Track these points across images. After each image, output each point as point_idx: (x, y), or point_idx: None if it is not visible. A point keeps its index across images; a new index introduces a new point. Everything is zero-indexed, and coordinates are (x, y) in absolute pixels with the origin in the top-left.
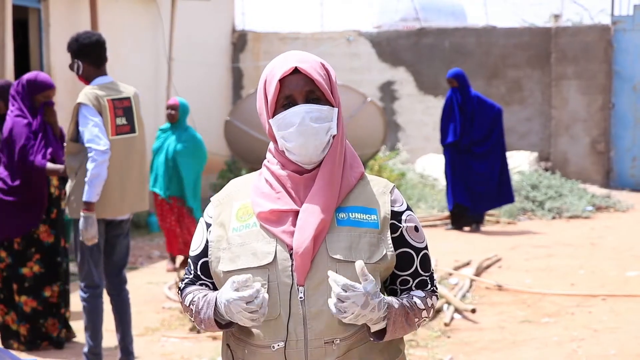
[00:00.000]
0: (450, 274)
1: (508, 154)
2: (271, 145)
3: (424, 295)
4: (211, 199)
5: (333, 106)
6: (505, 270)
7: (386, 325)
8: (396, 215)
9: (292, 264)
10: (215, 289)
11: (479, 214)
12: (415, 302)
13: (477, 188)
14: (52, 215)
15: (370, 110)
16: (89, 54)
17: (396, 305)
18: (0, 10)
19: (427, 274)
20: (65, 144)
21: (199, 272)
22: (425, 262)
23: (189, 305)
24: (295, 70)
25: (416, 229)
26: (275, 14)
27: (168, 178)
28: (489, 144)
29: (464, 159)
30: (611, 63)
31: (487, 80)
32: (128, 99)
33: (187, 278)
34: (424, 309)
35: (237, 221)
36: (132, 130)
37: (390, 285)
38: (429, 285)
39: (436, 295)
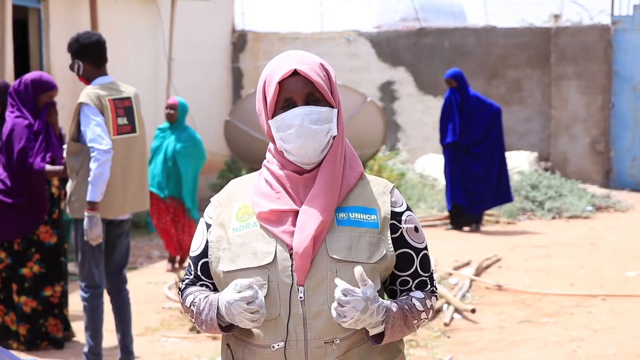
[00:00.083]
0: (450, 274)
1: (508, 154)
2: (271, 146)
3: (423, 296)
4: (211, 199)
5: (333, 107)
6: (505, 270)
7: (384, 328)
8: (396, 216)
9: (292, 264)
10: (215, 289)
11: (477, 213)
12: (414, 304)
13: (475, 188)
14: (54, 215)
15: (370, 110)
16: (90, 54)
17: (394, 309)
18: (0, 10)
19: (426, 275)
20: (65, 144)
21: (199, 273)
22: (425, 262)
23: (190, 306)
24: (295, 72)
25: (416, 229)
26: (275, 14)
27: (166, 178)
28: (487, 143)
29: (462, 159)
30: (611, 63)
31: (487, 80)
32: (129, 98)
33: (187, 278)
34: (423, 311)
35: (237, 221)
36: (133, 130)
37: (390, 286)
38: (429, 286)
39: (436, 296)
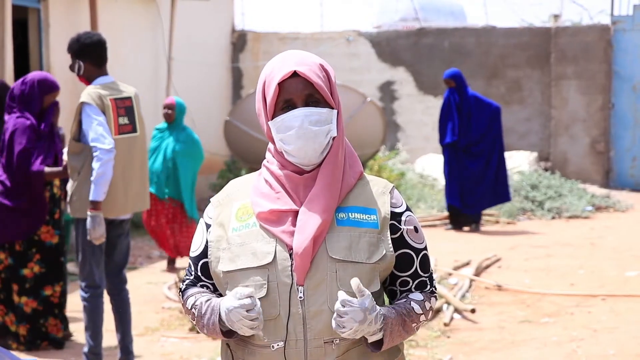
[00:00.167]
0: (450, 274)
1: (508, 154)
2: (270, 146)
3: (422, 298)
4: (211, 199)
5: (332, 108)
6: (504, 270)
7: (383, 336)
8: (396, 216)
9: (291, 264)
10: (215, 289)
11: (476, 213)
12: (413, 308)
13: (473, 187)
14: (55, 215)
15: (369, 110)
16: (90, 54)
17: (392, 316)
18: (0, 10)
19: (426, 275)
20: (66, 144)
21: (199, 273)
22: (425, 262)
23: (191, 308)
24: (295, 73)
25: (416, 229)
26: (275, 14)
27: (165, 178)
28: (486, 142)
29: (461, 159)
30: (611, 63)
31: (487, 80)
32: (129, 98)
33: (187, 279)
34: (422, 314)
35: (237, 221)
36: (134, 130)
37: (389, 286)
38: (428, 286)
39: (435, 296)
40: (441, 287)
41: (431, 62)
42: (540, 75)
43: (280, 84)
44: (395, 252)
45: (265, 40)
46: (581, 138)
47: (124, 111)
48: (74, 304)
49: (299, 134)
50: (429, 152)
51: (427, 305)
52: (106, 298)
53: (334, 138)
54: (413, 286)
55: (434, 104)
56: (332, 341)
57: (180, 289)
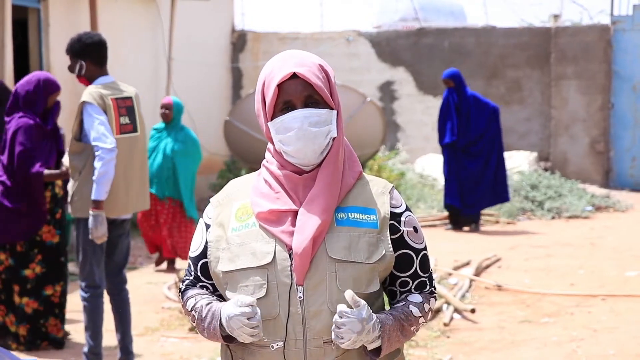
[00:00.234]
0: (450, 274)
1: (507, 154)
2: (270, 146)
3: (421, 300)
4: (211, 199)
5: (332, 109)
6: (504, 270)
7: (381, 343)
8: (395, 217)
9: (291, 264)
10: (215, 290)
11: (475, 213)
12: (411, 312)
13: (472, 187)
14: (57, 215)
15: (369, 110)
16: (92, 54)
17: (390, 322)
18: (0, 10)
19: (426, 275)
20: (68, 144)
21: (199, 274)
22: (425, 263)
23: (191, 310)
24: (294, 74)
25: (415, 230)
26: (275, 14)
27: (165, 178)
28: (484, 141)
29: (460, 159)
30: (611, 63)
31: (487, 80)
32: (130, 98)
33: (187, 279)
34: (421, 316)
35: (237, 221)
36: (135, 130)
37: (389, 287)
38: (428, 287)
39: (435, 297)
40: (441, 287)
41: (431, 62)
42: (540, 75)
43: (280, 85)
44: (395, 252)
45: (265, 40)
46: (581, 138)
47: (125, 111)
48: (74, 304)
49: (298, 135)
50: (429, 152)
51: (426, 307)
52: (106, 298)
53: (333, 138)
54: (413, 286)
55: (434, 104)
56: (332, 341)
57: (180, 289)
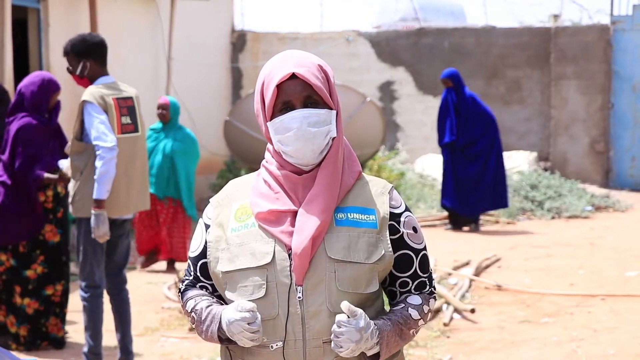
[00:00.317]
0: (450, 274)
1: (507, 154)
2: (269, 146)
3: (421, 302)
4: (210, 200)
5: (331, 109)
6: (504, 270)
7: (379, 349)
8: (395, 217)
9: (290, 264)
10: (214, 290)
11: (473, 215)
12: (410, 315)
13: (472, 188)
14: (58, 214)
15: (369, 110)
16: (96, 54)
17: (388, 328)
18: (0, 10)
19: (425, 275)
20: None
21: (198, 274)
22: (424, 263)
23: (191, 312)
24: (293, 75)
25: (415, 230)
26: (275, 14)
27: (165, 178)
28: (483, 143)
29: (459, 159)
30: (610, 63)
31: (487, 80)
32: (131, 98)
33: (187, 279)
34: (420, 318)
35: (236, 222)
36: (136, 130)
37: (389, 287)
38: (428, 287)
39: (434, 297)
40: (441, 287)
41: (431, 62)
42: (540, 75)
43: (279, 86)
44: (394, 252)
45: (265, 40)
46: (581, 138)
47: (127, 111)
48: (74, 304)
49: (297, 135)
50: (429, 152)
51: (426, 308)
52: (106, 298)
53: (333, 138)
54: (413, 287)
55: (434, 104)
56: (331, 341)
57: (179, 289)
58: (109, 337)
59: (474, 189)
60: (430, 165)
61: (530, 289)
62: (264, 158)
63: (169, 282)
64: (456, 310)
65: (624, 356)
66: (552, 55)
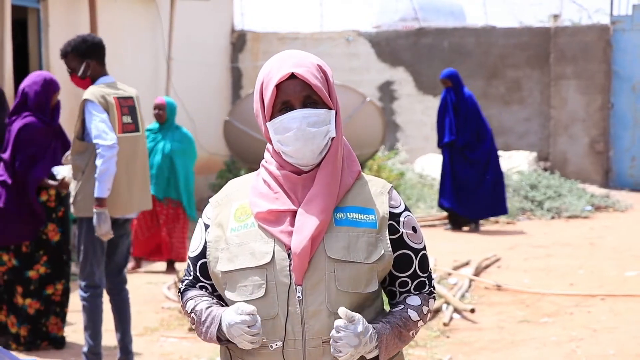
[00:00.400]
0: (450, 274)
1: (507, 154)
2: (269, 146)
3: (420, 302)
4: (210, 200)
5: (331, 109)
6: (504, 270)
7: (378, 352)
8: (394, 217)
9: (290, 264)
10: (214, 290)
11: (471, 217)
12: (410, 316)
13: (470, 189)
14: (59, 213)
15: (369, 110)
16: (97, 53)
17: (387, 332)
18: (0, 10)
19: (425, 275)
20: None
21: (198, 274)
22: (424, 263)
23: (191, 312)
24: (292, 75)
25: (414, 230)
26: (275, 14)
27: (165, 179)
28: (482, 150)
29: (459, 160)
30: (610, 63)
31: (487, 80)
32: (131, 98)
33: (186, 279)
34: (420, 319)
35: (236, 221)
36: (137, 129)
37: (389, 287)
38: (427, 287)
39: (434, 297)
40: (441, 287)
41: (431, 62)
42: (539, 75)
43: (278, 86)
44: (394, 252)
45: (265, 40)
46: (580, 138)
47: (127, 110)
48: (74, 304)
49: (297, 135)
50: (429, 152)
51: (425, 309)
52: (106, 298)
53: (332, 139)
54: (412, 287)
55: (434, 104)
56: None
57: (179, 289)
58: (109, 336)
59: (472, 192)
60: (430, 165)
61: (530, 289)
62: (263, 158)
63: (169, 282)
64: (456, 310)
65: (624, 356)
66: (552, 55)
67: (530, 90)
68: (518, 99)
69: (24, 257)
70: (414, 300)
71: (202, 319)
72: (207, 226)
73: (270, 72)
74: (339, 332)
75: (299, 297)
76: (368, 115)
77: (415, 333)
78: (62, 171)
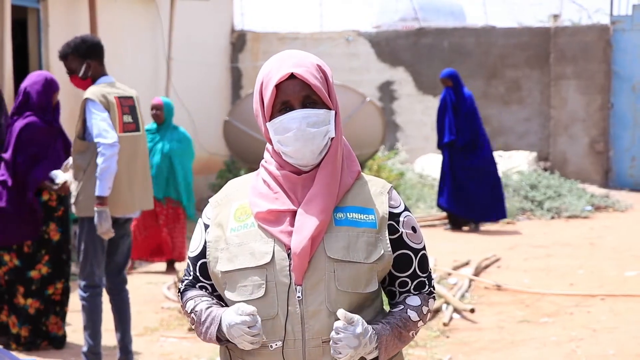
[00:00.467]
0: (449, 274)
1: (507, 154)
2: (268, 146)
3: (420, 303)
4: (209, 200)
5: (330, 109)
6: (504, 270)
7: (378, 353)
8: (394, 217)
9: (289, 264)
10: (214, 290)
11: (470, 218)
12: (409, 317)
13: (470, 190)
14: (60, 212)
15: (369, 110)
16: (96, 53)
17: (387, 333)
18: None
19: (425, 275)
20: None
21: (197, 274)
22: (424, 263)
23: (190, 313)
24: (292, 75)
25: (414, 230)
26: (275, 14)
27: (164, 179)
28: (482, 156)
29: (459, 159)
30: (610, 63)
31: (486, 80)
32: (131, 98)
33: (186, 279)
34: (419, 320)
35: (235, 221)
36: (137, 129)
37: (388, 287)
38: (427, 287)
39: (434, 297)
40: (440, 287)
41: (431, 62)
42: (539, 75)
43: (278, 86)
44: (393, 252)
45: (265, 40)
46: (580, 138)
47: (128, 109)
48: (73, 303)
49: (296, 135)
50: (429, 152)
51: (425, 309)
52: (105, 298)
53: (332, 139)
54: (412, 287)
55: (434, 104)
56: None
57: (179, 289)
58: (109, 336)
59: (474, 191)
60: (430, 165)
61: (530, 289)
62: (263, 158)
63: (169, 282)
64: (456, 310)
65: (624, 356)
66: (552, 55)
67: (530, 90)
68: (518, 99)
69: (26, 257)
70: (414, 300)
71: (202, 319)
72: (206, 226)
73: (270, 72)
74: (338, 334)
75: (298, 297)
76: (368, 115)
77: (415, 333)
78: (62, 176)
